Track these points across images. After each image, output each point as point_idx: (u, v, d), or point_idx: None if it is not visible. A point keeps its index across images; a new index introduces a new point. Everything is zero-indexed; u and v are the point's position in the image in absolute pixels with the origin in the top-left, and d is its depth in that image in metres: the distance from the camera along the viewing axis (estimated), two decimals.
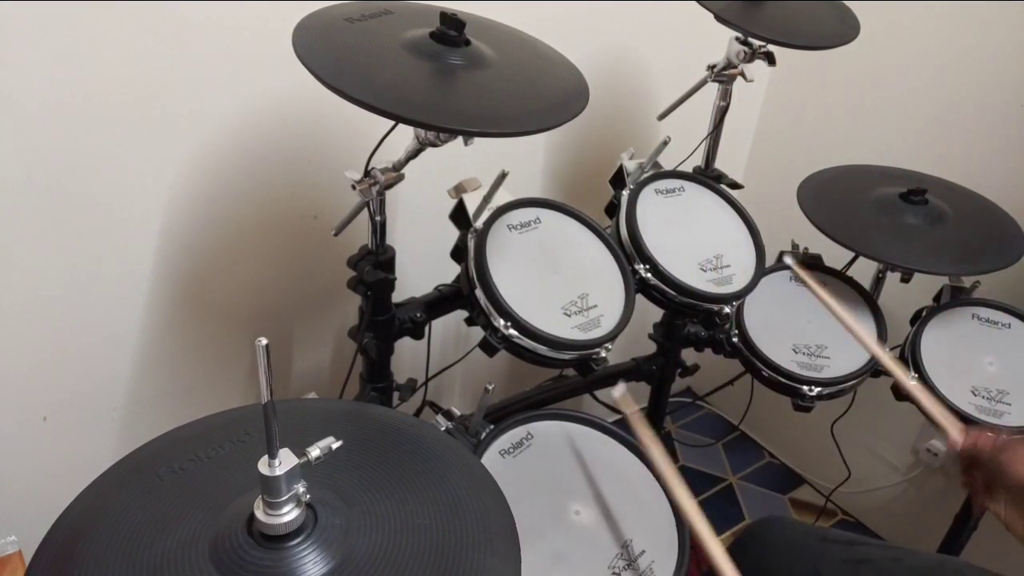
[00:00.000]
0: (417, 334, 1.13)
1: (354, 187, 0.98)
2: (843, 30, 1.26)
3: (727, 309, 1.23)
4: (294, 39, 0.83)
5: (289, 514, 0.60)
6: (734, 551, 1.13)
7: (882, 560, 1.03)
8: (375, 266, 1.03)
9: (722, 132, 1.42)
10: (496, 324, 1.01)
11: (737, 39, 1.28)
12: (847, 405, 1.50)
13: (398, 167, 0.99)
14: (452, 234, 1.09)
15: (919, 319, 1.31)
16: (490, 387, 1.01)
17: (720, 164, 1.44)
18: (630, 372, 1.58)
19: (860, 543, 1.07)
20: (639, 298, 1.16)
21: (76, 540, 0.62)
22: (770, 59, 1.30)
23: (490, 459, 1.01)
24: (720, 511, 1.92)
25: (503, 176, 1.03)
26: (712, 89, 1.36)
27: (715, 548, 0.81)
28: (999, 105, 1.46)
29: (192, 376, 1.28)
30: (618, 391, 0.98)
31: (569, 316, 1.06)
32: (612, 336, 1.07)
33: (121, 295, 1.16)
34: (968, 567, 1.03)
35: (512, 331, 1.00)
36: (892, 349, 1.30)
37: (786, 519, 1.18)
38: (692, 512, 0.86)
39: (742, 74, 1.31)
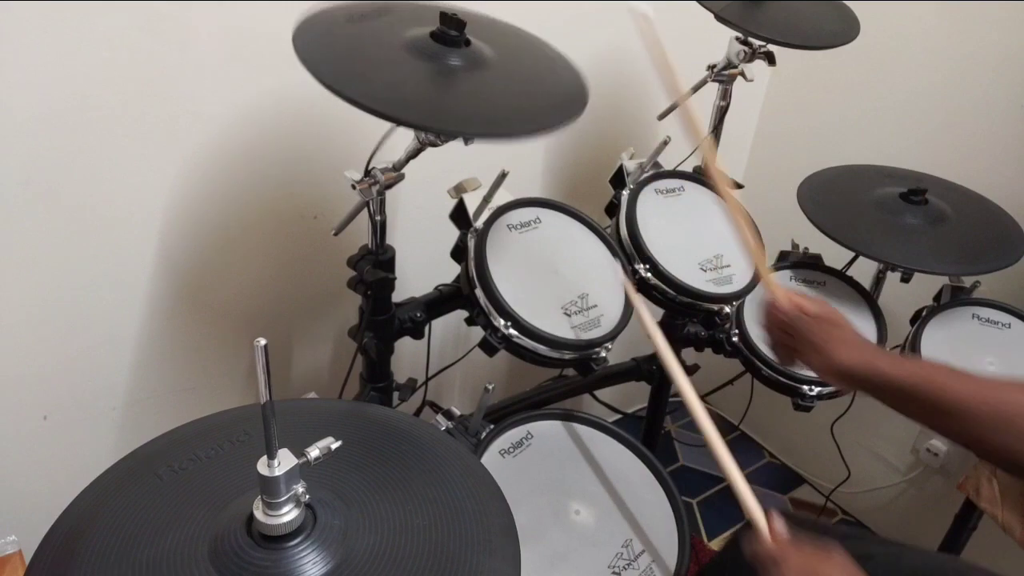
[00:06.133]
0: (417, 334, 1.13)
1: (354, 187, 0.98)
2: (843, 30, 1.26)
3: (727, 309, 1.23)
4: (294, 39, 0.82)
5: (288, 514, 0.60)
6: (732, 543, 1.13)
7: (882, 556, 1.02)
8: (375, 266, 1.04)
9: (722, 132, 1.42)
10: (496, 324, 1.01)
11: (737, 39, 1.28)
12: (847, 405, 1.50)
13: (398, 167, 0.99)
14: (452, 234, 1.09)
15: (919, 319, 1.31)
16: (490, 387, 1.01)
17: (720, 164, 1.44)
18: (630, 372, 1.58)
19: (859, 537, 1.06)
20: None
21: (76, 540, 0.62)
22: (770, 59, 1.30)
23: (490, 459, 1.01)
24: (720, 511, 1.92)
25: (503, 176, 1.03)
26: (712, 89, 1.36)
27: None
28: (999, 105, 1.46)
29: (192, 376, 1.28)
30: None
31: (569, 316, 1.06)
32: (612, 336, 1.07)
33: (121, 295, 1.16)
34: (969, 567, 1.02)
35: (512, 331, 1.00)
36: (892, 349, 1.30)
37: (786, 512, 1.17)
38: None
39: (742, 74, 1.31)
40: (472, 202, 1.07)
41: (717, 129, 1.40)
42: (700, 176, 1.35)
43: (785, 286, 1.38)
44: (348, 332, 1.13)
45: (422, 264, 1.30)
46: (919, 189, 1.28)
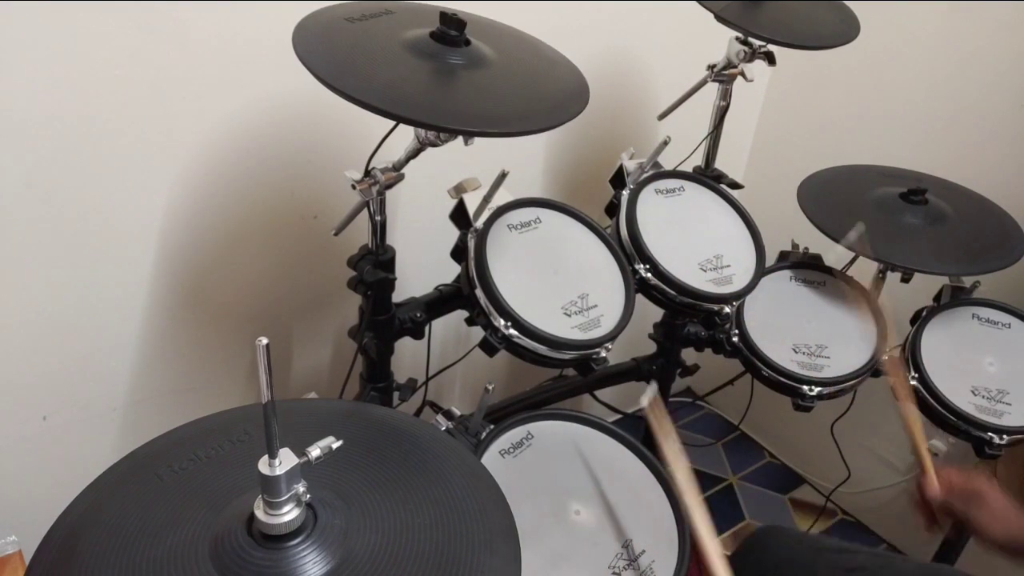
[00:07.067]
0: (417, 334, 1.13)
1: (354, 187, 0.98)
2: (843, 30, 1.26)
3: (727, 309, 1.23)
4: (294, 39, 0.83)
5: (289, 514, 0.60)
6: (734, 564, 1.15)
7: (874, 568, 1.07)
8: (375, 266, 1.04)
9: (722, 132, 1.42)
10: (496, 324, 1.01)
11: (737, 39, 1.28)
12: (847, 405, 1.50)
13: (398, 167, 0.99)
14: (452, 234, 1.09)
15: (919, 319, 1.31)
16: (490, 387, 1.01)
17: (720, 164, 1.44)
18: (630, 372, 1.58)
19: (851, 550, 1.10)
20: (639, 298, 1.16)
21: (76, 540, 0.62)
22: (770, 59, 1.30)
23: (490, 459, 1.01)
24: (720, 511, 1.92)
25: (503, 176, 1.03)
26: (712, 89, 1.36)
27: (715, 554, 0.82)
28: (999, 105, 1.46)
29: (192, 376, 1.28)
30: (647, 396, 1.01)
31: (569, 316, 1.06)
32: (612, 336, 1.07)
33: (121, 295, 1.16)
34: (956, 574, 1.05)
35: (512, 331, 1.00)
36: (892, 349, 1.30)
37: (780, 530, 1.20)
38: (698, 517, 0.88)
39: (742, 74, 1.31)
40: (472, 202, 1.07)
41: (717, 129, 1.40)
42: (700, 176, 1.35)
43: (785, 286, 1.39)
44: (348, 332, 1.13)
45: (422, 264, 1.30)
46: (919, 189, 1.28)
